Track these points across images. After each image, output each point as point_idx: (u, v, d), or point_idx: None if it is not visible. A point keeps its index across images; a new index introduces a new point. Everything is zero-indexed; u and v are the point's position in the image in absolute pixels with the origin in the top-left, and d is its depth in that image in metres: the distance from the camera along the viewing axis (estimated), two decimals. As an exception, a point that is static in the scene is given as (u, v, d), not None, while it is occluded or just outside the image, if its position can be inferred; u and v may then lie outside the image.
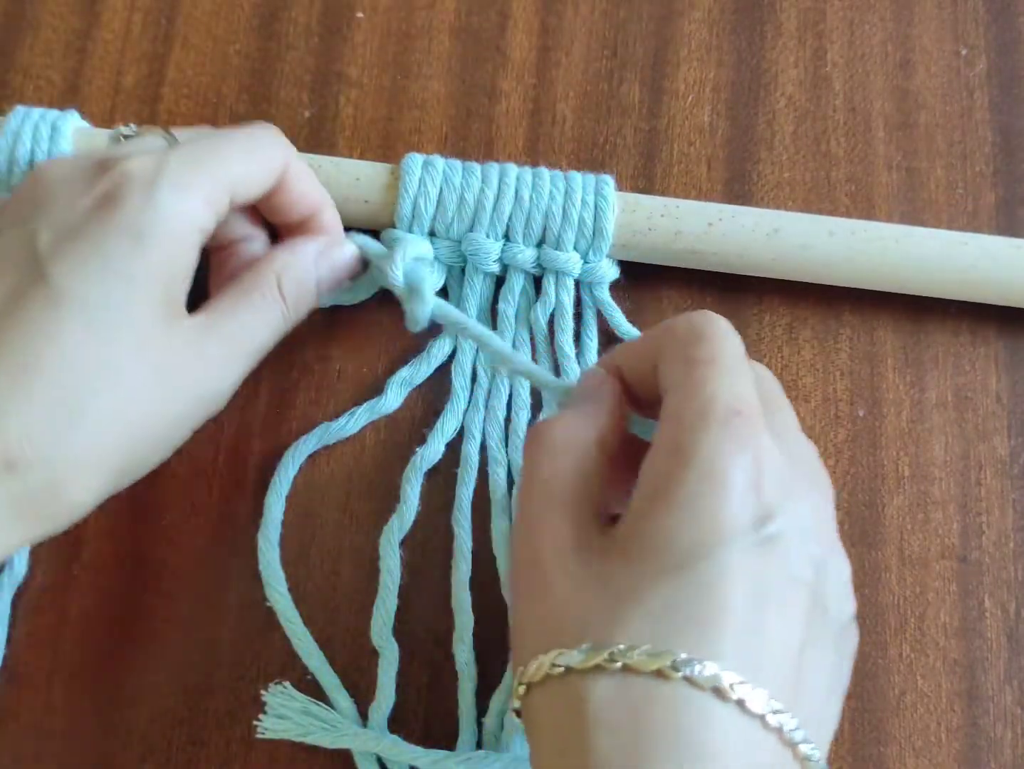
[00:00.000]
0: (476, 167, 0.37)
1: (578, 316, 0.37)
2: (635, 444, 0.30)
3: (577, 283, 0.37)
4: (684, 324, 0.29)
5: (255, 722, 0.33)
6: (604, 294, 0.37)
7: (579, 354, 0.37)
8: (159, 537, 0.33)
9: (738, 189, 0.40)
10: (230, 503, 0.35)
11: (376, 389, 0.37)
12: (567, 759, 0.25)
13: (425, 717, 0.34)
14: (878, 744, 0.34)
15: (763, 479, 0.26)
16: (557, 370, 0.37)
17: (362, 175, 0.37)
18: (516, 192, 0.36)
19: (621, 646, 0.24)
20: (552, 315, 0.37)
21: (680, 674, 0.24)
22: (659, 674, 0.24)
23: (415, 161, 0.37)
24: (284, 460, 0.36)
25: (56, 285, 0.28)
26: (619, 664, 0.24)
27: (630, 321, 0.38)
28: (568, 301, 0.37)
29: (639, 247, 0.37)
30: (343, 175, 0.37)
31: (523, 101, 0.41)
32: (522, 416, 0.36)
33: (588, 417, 0.30)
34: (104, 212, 0.29)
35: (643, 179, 0.40)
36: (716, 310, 0.38)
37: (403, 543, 0.35)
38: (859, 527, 0.36)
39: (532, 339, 0.37)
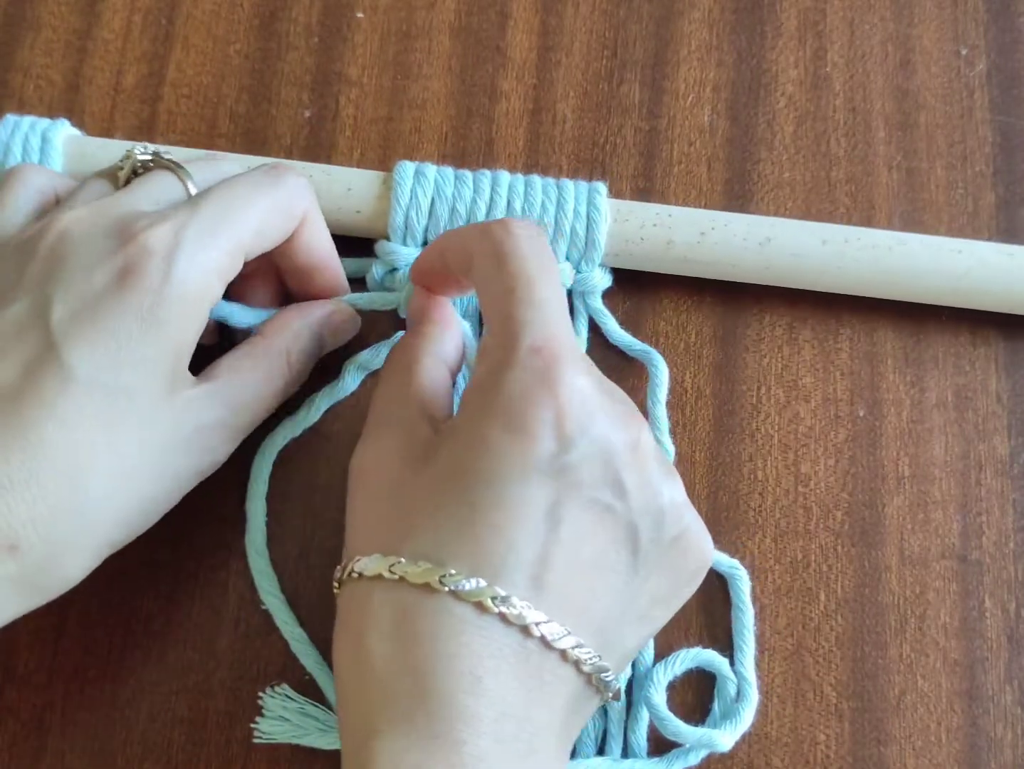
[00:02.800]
0: (468, 176, 0.37)
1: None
2: None
3: (569, 291, 0.37)
4: (486, 240, 0.29)
5: (252, 725, 0.33)
6: (597, 302, 0.37)
7: None
8: (158, 538, 0.33)
9: (738, 189, 0.40)
10: (228, 504, 0.35)
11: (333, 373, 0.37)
12: (351, 653, 0.27)
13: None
14: (878, 744, 0.34)
15: (564, 415, 0.27)
16: None
17: (354, 185, 0.37)
18: (508, 202, 0.36)
19: (403, 559, 0.26)
20: None
21: (446, 589, 0.25)
22: (427, 588, 0.26)
23: (406, 170, 0.37)
24: (255, 463, 0.35)
25: (69, 367, 0.28)
26: (396, 576, 0.26)
27: (626, 323, 0.38)
28: None
29: (631, 256, 0.37)
30: (335, 185, 0.37)
31: (523, 101, 0.41)
32: None
33: (421, 332, 0.32)
34: (120, 291, 0.28)
35: (643, 179, 0.40)
36: (716, 310, 0.38)
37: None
38: (859, 527, 0.36)
39: None
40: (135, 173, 0.33)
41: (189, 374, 0.30)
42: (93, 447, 0.28)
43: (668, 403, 0.37)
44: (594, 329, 0.38)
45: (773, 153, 0.41)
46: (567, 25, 0.42)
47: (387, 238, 0.37)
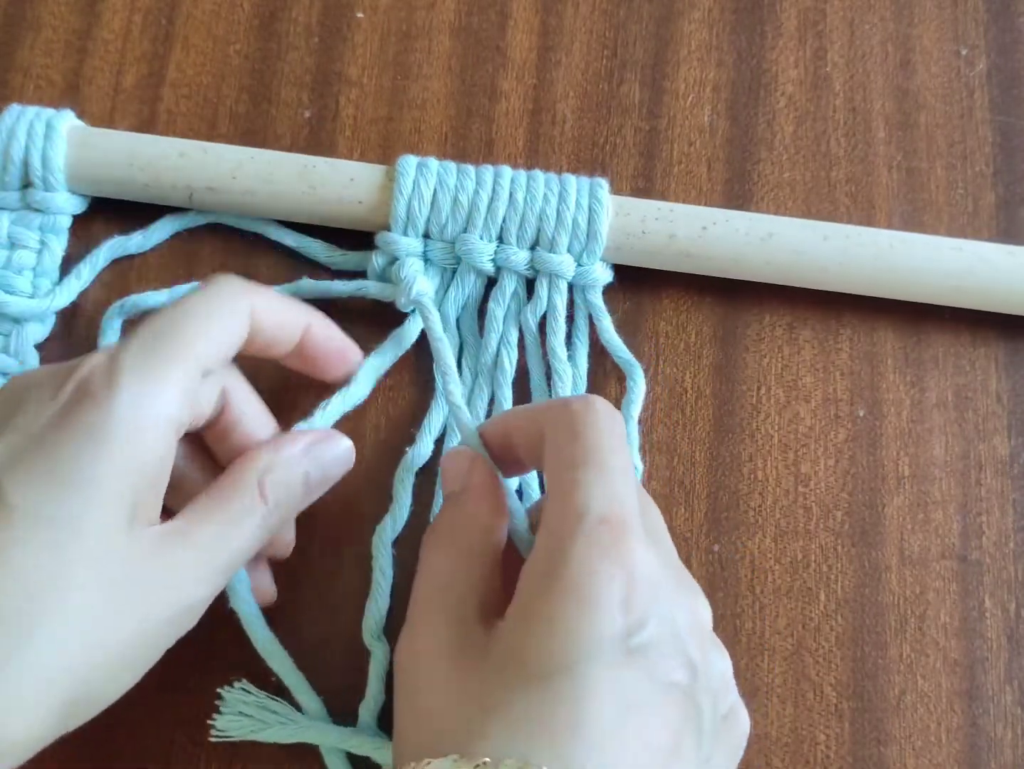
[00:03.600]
0: (471, 169, 0.37)
1: (569, 319, 0.37)
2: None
3: (570, 287, 0.37)
4: (562, 411, 0.29)
5: (209, 721, 0.33)
6: (597, 298, 0.37)
7: (569, 357, 0.37)
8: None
9: (738, 189, 0.40)
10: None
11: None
12: None
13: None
14: (878, 744, 0.34)
15: (633, 590, 0.26)
16: (549, 372, 0.37)
17: (356, 176, 0.37)
18: (510, 194, 0.36)
19: (486, 759, 0.24)
20: (543, 318, 0.37)
21: None
22: None
23: (409, 163, 0.37)
24: None
25: (8, 501, 0.26)
26: None
27: (626, 323, 0.38)
28: (561, 304, 0.37)
29: (633, 250, 0.37)
30: (337, 175, 0.37)
31: (523, 101, 0.41)
32: None
33: (473, 517, 0.30)
34: (64, 418, 0.27)
35: (643, 179, 0.40)
36: (716, 310, 0.38)
37: (398, 542, 0.35)
38: (859, 527, 0.36)
39: (521, 340, 0.37)
40: None
41: (155, 515, 0.28)
42: (36, 583, 0.26)
43: (659, 421, 0.37)
44: (592, 327, 0.38)
45: (773, 153, 0.41)
46: (567, 25, 0.42)
47: (388, 230, 0.37)
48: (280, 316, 0.32)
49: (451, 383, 0.33)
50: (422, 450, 0.36)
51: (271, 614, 0.34)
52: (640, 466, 0.36)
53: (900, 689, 0.35)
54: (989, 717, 0.34)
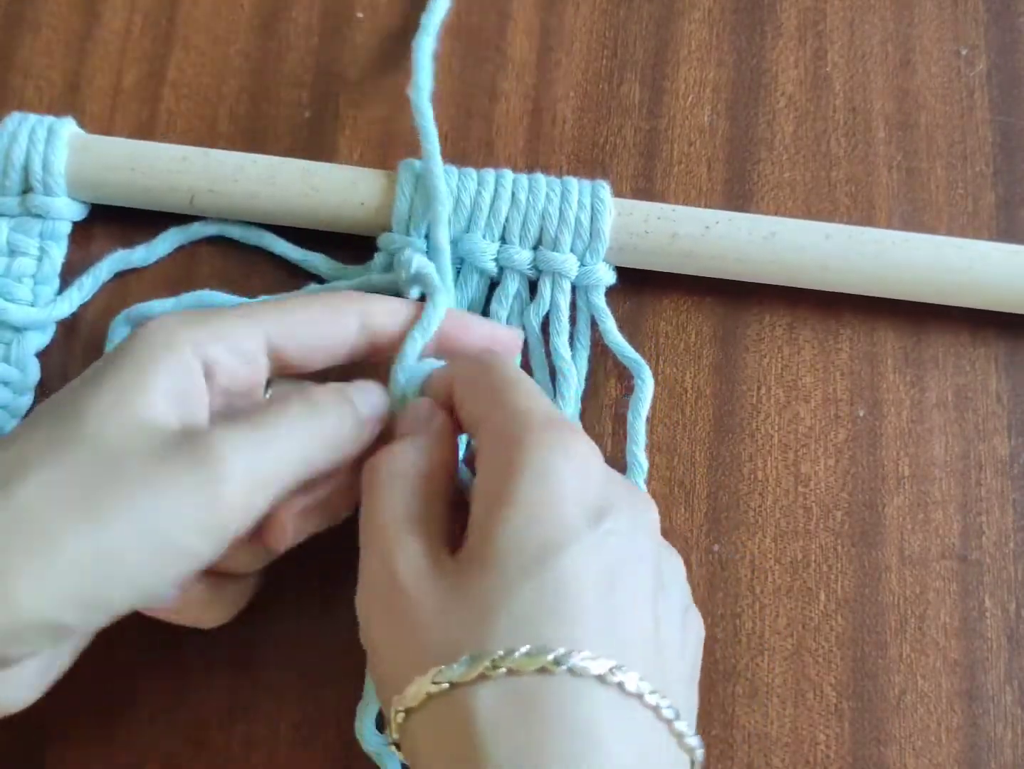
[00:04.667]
0: (472, 171, 0.37)
1: (572, 320, 0.37)
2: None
3: (573, 288, 0.37)
4: (466, 362, 0.31)
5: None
6: (599, 299, 0.37)
7: (572, 358, 0.37)
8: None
9: (738, 189, 0.40)
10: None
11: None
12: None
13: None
14: (878, 744, 0.34)
15: (590, 480, 0.27)
16: (552, 373, 0.37)
17: (358, 178, 0.37)
18: (512, 194, 0.36)
19: (501, 651, 0.25)
20: (545, 318, 0.37)
21: (563, 668, 0.24)
22: (544, 671, 0.25)
23: (411, 164, 0.37)
24: None
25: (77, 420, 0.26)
26: (503, 669, 0.25)
27: (626, 323, 0.38)
28: (564, 304, 0.37)
29: (636, 250, 0.37)
30: (339, 177, 0.37)
31: (523, 101, 0.41)
32: None
33: (421, 449, 0.30)
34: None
35: (643, 179, 0.40)
36: (717, 311, 0.38)
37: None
38: (859, 527, 0.36)
39: (525, 340, 0.37)
40: None
41: (203, 412, 0.29)
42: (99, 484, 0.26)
43: (659, 421, 0.37)
44: (594, 328, 0.38)
45: (773, 153, 0.41)
46: (567, 25, 0.42)
47: (391, 232, 0.37)
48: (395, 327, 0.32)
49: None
50: None
51: (271, 615, 0.34)
52: (645, 465, 0.36)
53: (900, 689, 0.35)
54: (989, 717, 0.34)
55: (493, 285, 0.38)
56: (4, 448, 0.27)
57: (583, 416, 0.37)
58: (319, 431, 0.29)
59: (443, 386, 0.31)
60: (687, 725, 0.26)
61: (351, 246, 0.38)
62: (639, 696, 0.25)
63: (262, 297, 0.37)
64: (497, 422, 0.29)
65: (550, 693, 0.25)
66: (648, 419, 0.37)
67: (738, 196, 0.40)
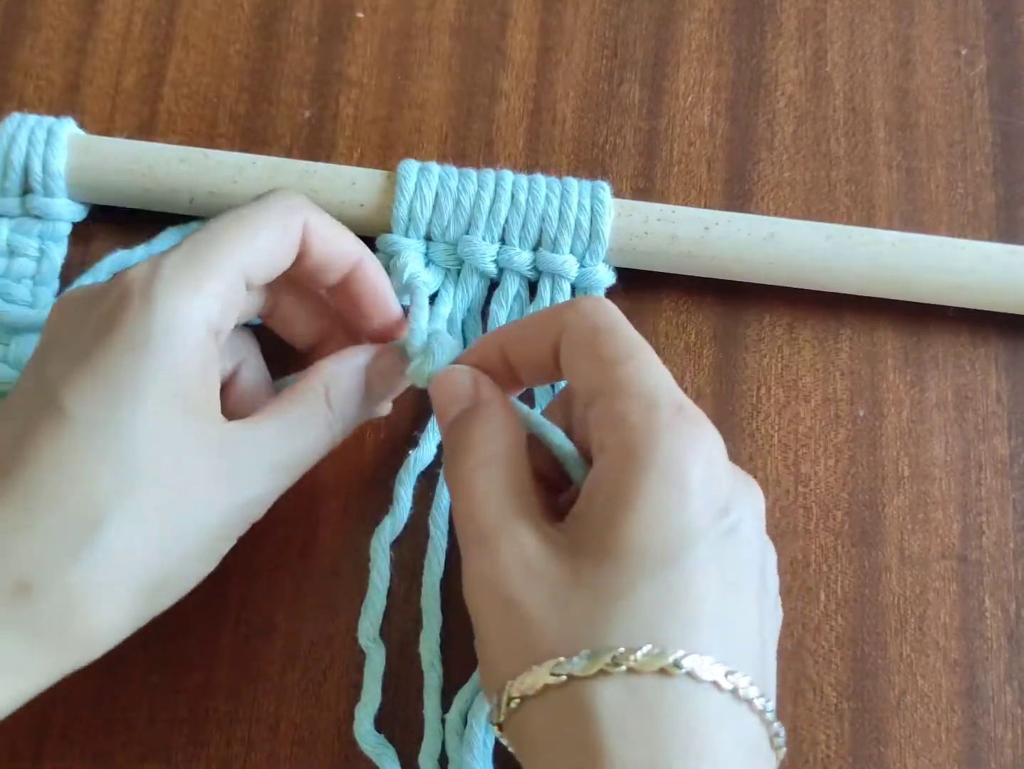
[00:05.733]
0: (472, 172, 0.37)
1: None
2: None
3: (573, 288, 0.37)
4: (581, 317, 0.29)
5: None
6: None
7: None
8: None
9: (738, 189, 0.40)
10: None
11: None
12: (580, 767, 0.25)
13: (416, 717, 0.34)
14: (878, 744, 0.34)
15: (717, 472, 0.27)
16: None
17: (358, 180, 0.37)
18: (512, 195, 0.36)
19: (621, 649, 0.25)
20: None
21: (683, 671, 0.24)
22: (663, 672, 0.25)
23: (411, 166, 0.37)
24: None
25: (66, 411, 0.27)
26: (623, 667, 0.24)
27: (629, 321, 0.38)
28: None
29: (635, 251, 0.37)
30: (339, 179, 0.37)
31: (523, 101, 0.41)
32: None
33: (486, 431, 0.29)
34: (105, 330, 0.28)
35: (643, 179, 0.40)
36: (716, 310, 0.38)
37: (398, 544, 0.35)
38: (859, 527, 0.36)
39: None
40: None
41: (215, 412, 0.29)
42: (98, 486, 0.27)
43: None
44: None
45: (773, 153, 0.41)
46: (567, 25, 0.42)
47: (390, 231, 0.37)
48: (334, 242, 0.32)
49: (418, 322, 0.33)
50: (425, 453, 0.36)
51: (270, 617, 0.34)
52: None
53: (900, 689, 0.35)
54: (989, 717, 0.34)
55: (493, 286, 0.38)
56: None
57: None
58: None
59: (496, 347, 0.31)
60: (780, 725, 0.27)
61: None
62: (749, 701, 0.25)
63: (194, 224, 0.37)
64: (620, 404, 0.27)
65: (669, 695, 0.25)
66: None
67: (738, 196, 0.40)
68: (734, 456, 0.37)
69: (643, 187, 0.40)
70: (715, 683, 0.25)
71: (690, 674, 0.25)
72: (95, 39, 0.41)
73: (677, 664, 0.24)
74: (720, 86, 0.41)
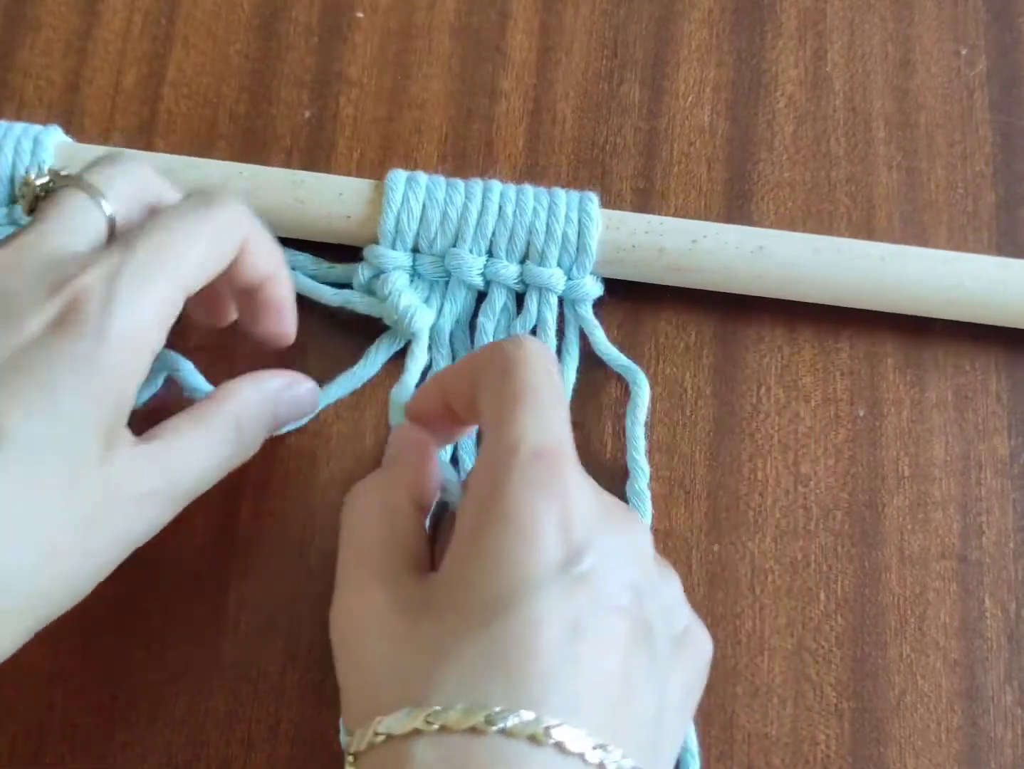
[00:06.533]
0: (460, 183, 0.37)
1: (560, 333, 0.37)
2: None
3: (560, 300, 0.37)
4: (493, 354, 0.29)
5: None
6: (587, 311, 0.37)
7: (560, 369, 0.37)
8: (158, 537, 0.33)
9: (738, 189, 0.40)
10: (230, 503, 0.35)
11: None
12: None
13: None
14: (878, 744, 0.34)
15: (571, 519, 0.26)
16: None
17: (345, 190, 0.37)
18: (500, 208, 0.36)
19: (437, 707, 0.24)
20: (533, 331, 0.37)
21: (495, 728, 0.23)
22: (474, 731, 0.23)
23: (398, 177, 0.37)
24: None
25: (5, 429, 0.25)
26: (436, 725, 0.23)
27: (629, 323, 0.38)
28: (551, 318, 0.37)
29: (623, 263, 0.37)
30: (326, 190, 0.37)
31: (523, 101, 0.41)
32: None
33: (396, 476, 0.30)
34: (54, 340, 0.26)
35: (643, 179, 0.40)
36: (717, 310, 0.38)
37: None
38: (859, 527, 0.36)
39: None
40: (37, 199, 0.30)
41: (127, 432, 0.28)
42: (14, 508, 0.25)
43: (659, 421, 0.37)
44: (583, 339, 0.37)
45: (773, 153, 0.41)
46: (567, 25, 0.42)
47: (377, 244, 0.37)
48: (263, 256, 0.32)
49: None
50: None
51: (270, 617, 0.34)
52: (647, 470, 0.36)
53: (900, 689, 0.35)
54: (989, 717, 0.34)
55: (481, 297, 0.37)
56: None
57: (583, 417, 0.37)
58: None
59: (436, 389, 0.31)
60: None
61: (340, 249, 0.38)
62: (579, 755, 0.24)
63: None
64: (485, 446, 0.27)
65: (479, 755, 0.23)
66: (648, 419, 0.37)
67: (738, 196, 0.40)
68: (734, 456, 0.37)
69: (643, 187, 0.40)
70: (531, 738, 0.23)
71: (504, 731, 0.23)
72: (95, 39, 0.41)
73: (489, 720, 0.23)
74: (720, 86, 0.41)
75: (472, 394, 0.29)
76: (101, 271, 0.28)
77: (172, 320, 0.29)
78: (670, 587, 0.29)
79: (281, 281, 0.33)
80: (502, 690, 0.24)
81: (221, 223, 0.30)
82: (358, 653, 0.27)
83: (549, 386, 0.28)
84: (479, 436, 0.35)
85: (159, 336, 0.29)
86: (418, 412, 0.32)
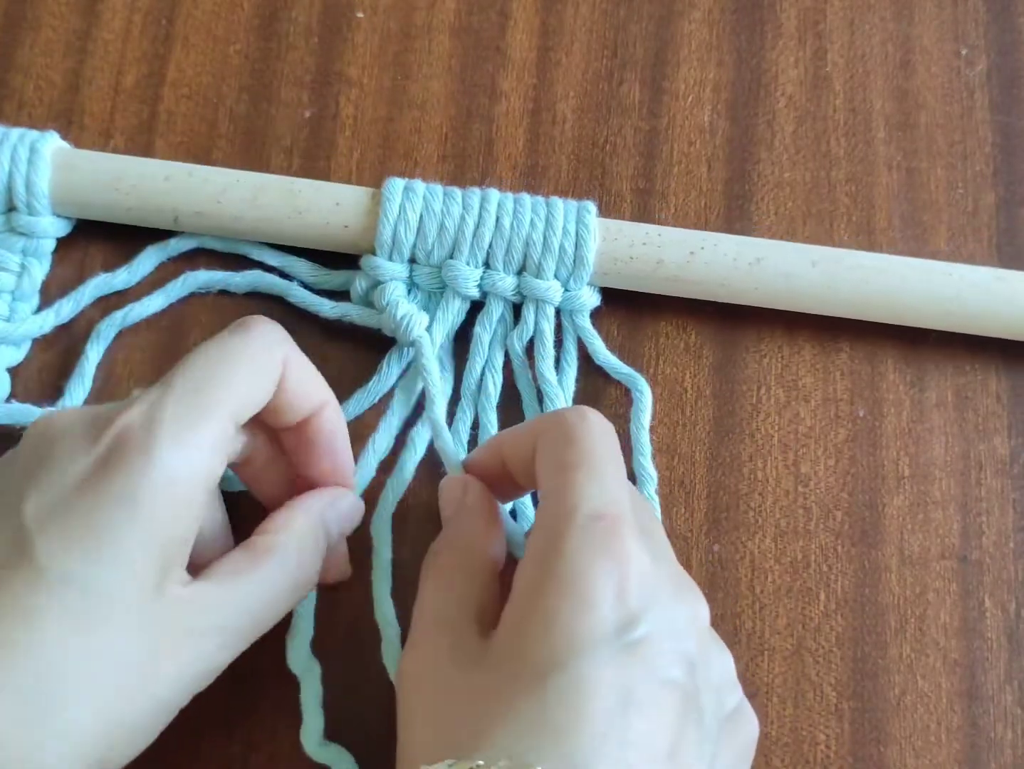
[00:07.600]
0: (457, 193, 0.36)
1: (558, 342, 0.37)
2: None
3: (557, 312, 0.37)
4: (555, 422, 0.29)
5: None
6: (584, 321, 0.37)
7: (559, 378, 0.37)
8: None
9: (738, 189, 0.40)
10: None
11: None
12: None
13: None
14: (878, 744, 0.34)
15: (628, 584, 0.26)
16: (540, 396, 0.36)
17: (342, 200, 0.37)
18: (497, 219, 0.36)
19: (480, 761, 0.23)
20: (530, 342, 0.37)
21: None
22: None
23: (396, 186, 0.36)
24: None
25: (40, 564, 0.25)
26: None
27: (629, 324, 0.38)
28: (548, 329, 0.37)
29: (620, 275, 0.37)
30: (323, 199, 0.37)
31: (523, 101, 0.41)
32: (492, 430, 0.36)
33: (473, 535, 0.30)
34: (97, 480, 0.26)
35: (643, 179, 0.40)
36: (716, 311, 0.38)
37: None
38: (859, 527, 0.36)
39: (508, 363, 0.37)
40: None
41: (183, 572, 0.28)
42: (66, 653, 0.25)
43: (659, 421, 0.37)
44: (581, 348, 0.37)
45: (773, 153, 0.41)
46: (567, 25, 0.42)
47: (374, 253, 0.37)
48: (307, 381, 0.31)
49: (441, 435, 0.34)
50: (398, 485, 0.35)
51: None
52: (654, 475, 0.36)
53: (900, 689, 0.35)
54: (989, 717, 0.34)
55: (476, 307, 0.37)
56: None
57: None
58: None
59: (495, 451, 0.32)
60: None
61: (338, 255, 0.38)
62: None
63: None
64: (550, 508, 0.28)
65: None
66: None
67: (738, 196, 0.40)
68: (734, 456, 0.37)
69: (643, 187, 0.40)
70: None
71: None
72: (95, 39, 0.41)
73: None
74: (720, 86, 0.41)
75: (531, 459, 0.30)
76: (141, 408, 0.27)
77: (227, 450, 0.28)
78: (724, 664, 0.28)
79: (331, 409, 0.31)
80: (548, 751, 0.24)
81: (259, 346, 0.29)
82: (414, 701, 0.27)
83: (609, 454, 0.29)
84: (534, 495, 0.35)
85: (212, 467, 0.28)
86: (476, 471, 0.33)
